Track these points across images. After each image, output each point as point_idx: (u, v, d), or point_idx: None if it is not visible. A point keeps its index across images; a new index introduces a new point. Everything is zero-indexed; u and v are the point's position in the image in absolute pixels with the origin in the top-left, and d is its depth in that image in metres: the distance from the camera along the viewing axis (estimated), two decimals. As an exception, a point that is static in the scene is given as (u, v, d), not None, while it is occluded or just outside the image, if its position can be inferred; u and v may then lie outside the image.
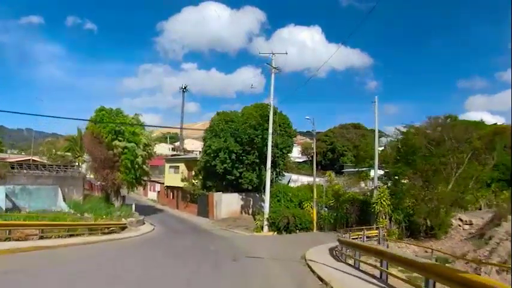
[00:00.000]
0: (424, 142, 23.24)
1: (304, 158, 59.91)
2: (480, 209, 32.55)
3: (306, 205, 29.82)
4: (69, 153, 48.62)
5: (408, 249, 21.79)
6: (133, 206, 33.84)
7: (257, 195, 35.60)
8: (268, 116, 31.23)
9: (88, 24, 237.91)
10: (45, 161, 47.04)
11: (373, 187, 36.01)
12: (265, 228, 27.63)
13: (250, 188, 32.80)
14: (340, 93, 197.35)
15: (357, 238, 20.99)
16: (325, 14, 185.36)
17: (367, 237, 21.89)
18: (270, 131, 28.34)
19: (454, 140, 24.83)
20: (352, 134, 54.86)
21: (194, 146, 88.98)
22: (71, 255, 13.92)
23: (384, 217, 23.70)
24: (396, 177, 24.13)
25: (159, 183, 48.03)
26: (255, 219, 32.23)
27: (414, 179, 24.04)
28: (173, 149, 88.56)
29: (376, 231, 23.18)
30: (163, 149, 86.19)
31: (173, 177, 43.28)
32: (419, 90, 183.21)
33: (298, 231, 27.93)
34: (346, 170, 47.49)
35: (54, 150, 57.44)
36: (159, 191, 48.63)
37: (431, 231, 25.74)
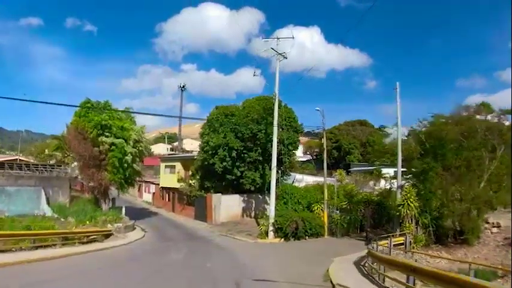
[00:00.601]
0: (457, 133, 19.52)
1: (308, 157, 56.14)
2: (495, 209, 29.04)
3: (315, 207, 26.04)
4: (58, 153, 44.72)
5: (442, 262, 18.03)
6: (124, 209, 30.01)
7: (260, 196, 31.86)
8: (272, 109, 27.56)
9: (88, 25, 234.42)
10: (33, 161, 43.23)
11: (389, 186, 32.36)
12: (271, 234, 23.84)
13: (252, 188, 29.03)
14: (339, 93, 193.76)
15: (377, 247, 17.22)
16: (323, 14, 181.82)
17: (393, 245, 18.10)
18: (276, 122, 24.62)
19: (487, 132, 21.11)
20: (358, 131, 51.11)
21: (193, 146, 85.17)
22: (15, 280, 10.13)
23: (410, 221, 19.95)
24: (423, 174, 20.37)
25: (155, 184, 44.19)
26: (258, 224, 28.47)
27: (444, 176, 20.32)
28: (171, 149, 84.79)
29: (402, 238, 19.43)
30: (161, 149, 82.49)
31: (169, 178, 39.47)
32: (418, 89, 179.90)
33: (307, 237, 24.18)
34: (354, 168, 43.73)
35: (47, 150, 53.56)
36: (154, 193, 44.76)
37: (460, 236, 22.05)
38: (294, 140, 30.09)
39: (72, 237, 18.82)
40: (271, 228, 23.82)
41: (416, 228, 20.57)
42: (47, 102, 32.56)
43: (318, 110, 26.58)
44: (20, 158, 45.61)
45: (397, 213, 20.33)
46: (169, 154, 57.46)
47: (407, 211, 19.41)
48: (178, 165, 38.72)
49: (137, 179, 30.55)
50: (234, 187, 30.39)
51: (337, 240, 24.31)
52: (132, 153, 27.55)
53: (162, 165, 41.56)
